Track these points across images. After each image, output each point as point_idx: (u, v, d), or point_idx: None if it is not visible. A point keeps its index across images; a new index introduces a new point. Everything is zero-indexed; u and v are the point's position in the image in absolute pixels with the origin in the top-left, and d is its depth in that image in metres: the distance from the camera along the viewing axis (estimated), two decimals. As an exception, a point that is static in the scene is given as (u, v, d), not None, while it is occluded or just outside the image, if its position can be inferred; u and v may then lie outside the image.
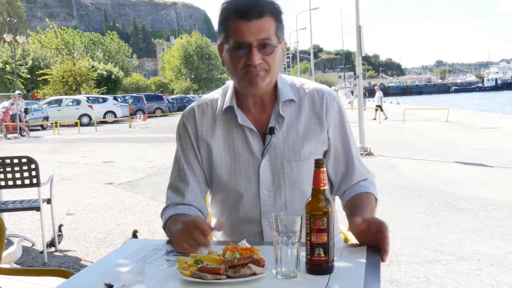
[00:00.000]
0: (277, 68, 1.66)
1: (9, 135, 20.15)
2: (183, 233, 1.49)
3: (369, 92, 45.39)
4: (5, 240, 2.37)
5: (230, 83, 1.79)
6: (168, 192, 1.82)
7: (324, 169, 1.34)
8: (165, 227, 1.73)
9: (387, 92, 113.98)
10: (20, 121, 20.94)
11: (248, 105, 1.73)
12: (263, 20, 1.58)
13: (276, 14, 1.62)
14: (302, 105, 1.74)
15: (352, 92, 32.92)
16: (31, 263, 4.42)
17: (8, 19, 37.54)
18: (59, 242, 4.78)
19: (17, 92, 22.34)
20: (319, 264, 1.31)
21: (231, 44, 1.61)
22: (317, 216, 1.31)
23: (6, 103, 21.50)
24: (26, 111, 22.44)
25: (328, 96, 1.76)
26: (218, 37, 1.69)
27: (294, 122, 1.72)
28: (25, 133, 20.87)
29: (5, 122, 20.60)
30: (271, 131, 1.70)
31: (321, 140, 1.74)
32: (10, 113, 20.78)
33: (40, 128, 24.82)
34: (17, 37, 32.73)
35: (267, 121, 1.72)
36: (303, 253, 1.33)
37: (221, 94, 1.80)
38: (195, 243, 1.45)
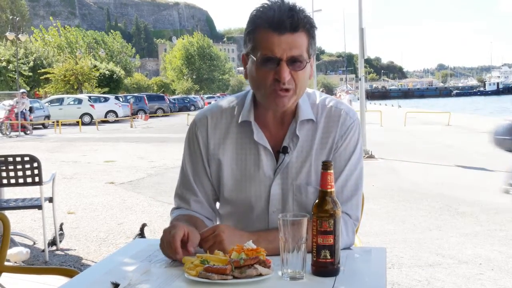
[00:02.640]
0: (304, 85, 1.58)
1: (12, 133, 20.22)
2: (163, 245, 1.49)
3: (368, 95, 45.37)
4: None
5: (249, 93, 1.70)
6: (176, 200, 1.78)
7: (332, 171, 1.34)
8: None
9: (389, 95, 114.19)
10: (25, 119, 21.10)
11: (266, 120, 1.65)
12: (297, 35, 1.49)
13: (310, 29, 1.53)
14: (318, 123, 1.65)
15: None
16: (32, 262, 4.42)
17: (11, 17, 37.56)
18: (60, 241, 4.78)
19: (21, 90, 22.47)
20: (325, 266, 1.32)
21: (258, 56, 1.51)
22: (323, 218, 1.31)
23: (11, 101, 21.65)
24: (31, 109, 22.58)
25: (346, 116, 1.65)
26: (244, 46, 1.59)
27: (309, 143, 1.64)
28: (28, 132, 20.97)
29: (10, 120, 20.73)
30: (285, 150, 1.63)
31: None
32: (16, 111, 20.94)
33: (41, 126, 24.86)
34: (20, 35, 32.70)
35: (283, 138, 1.64)
36: (309, 255, 1.34)
37: (237, 104, 1.71)
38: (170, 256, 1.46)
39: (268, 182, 1.64)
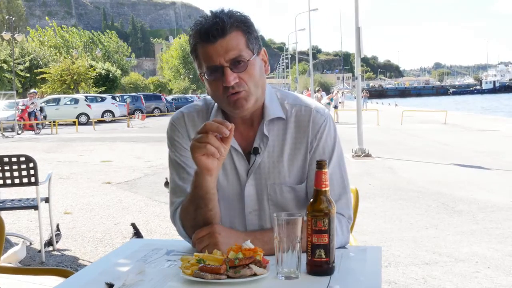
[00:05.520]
0: (259, 82, 1.57)
1: (24, 133, 20.53)
2: (194, 146, 1.43)
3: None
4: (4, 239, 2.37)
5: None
6: (171, 197, 1.73)
7: (327, 170, 1.34)
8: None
9: (385, 94, 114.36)
10: (36, 119, 21.35)
11: (236, 123, 1.61)
12: (229, 37, 1.51)
13: (242, 27, 1.55)
14: (289, 122, 1.65)
15: (342, 93, 33.35)
16: (28, 262, 4.41)
17: (7, 17, 37.49)
18: (57, 241, 4.77)
19: (32, 90, 22.80)
20: (320, 265, 1.31)
21: (204, 70, 1.55)
22: (318, 217, 1.31)
23: (25, 101, 22.24)
24: (41, 109, 22.81)
25: (316, 114, 1.65)
26: (196, 66, 1.63)
27: (280, 142, 1.64)
28: (37, 131, 21.34)
29: (23, 119, 21.02)
30: (255, 151, 1.63)
31: (307, 162, 1.65)
32: (28, 111, 21.35)
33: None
34: (16, 35, 32.61)
35: (253, 139, 1.65)
36: (303, 254, 1.33)
37: (211, 102, 1.72)
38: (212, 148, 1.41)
39: (242, 182, 1.65)
